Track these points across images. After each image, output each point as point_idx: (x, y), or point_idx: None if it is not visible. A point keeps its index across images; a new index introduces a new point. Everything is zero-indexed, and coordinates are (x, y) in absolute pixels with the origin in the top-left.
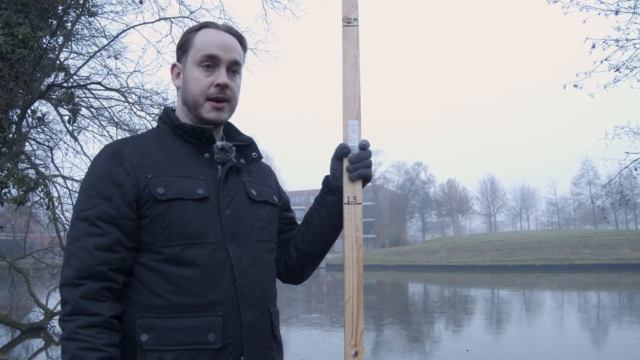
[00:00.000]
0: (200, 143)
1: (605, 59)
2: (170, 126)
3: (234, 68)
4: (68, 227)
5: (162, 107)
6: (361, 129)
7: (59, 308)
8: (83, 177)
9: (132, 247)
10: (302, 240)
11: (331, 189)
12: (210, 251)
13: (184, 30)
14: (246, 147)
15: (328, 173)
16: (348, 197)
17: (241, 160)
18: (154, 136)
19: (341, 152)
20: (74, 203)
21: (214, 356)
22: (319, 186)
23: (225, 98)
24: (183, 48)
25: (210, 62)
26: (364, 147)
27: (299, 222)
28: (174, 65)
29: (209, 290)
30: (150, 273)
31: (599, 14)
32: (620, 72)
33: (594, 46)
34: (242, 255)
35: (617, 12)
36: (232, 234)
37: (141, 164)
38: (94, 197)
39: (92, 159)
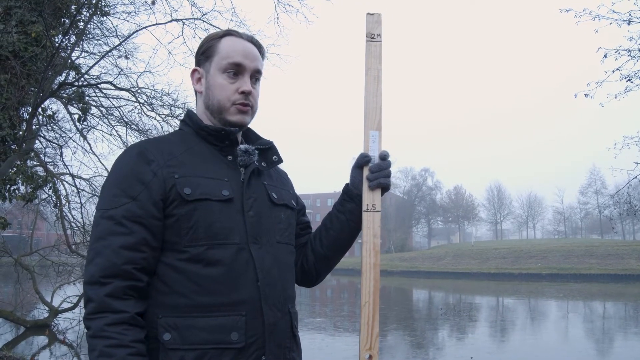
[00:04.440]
0: (224, 145)
1: (617, 69)
2: (193, 128)
3: (256, 76)
4: (91, 225)
5: (173, 108)
6: (381, 140)
7: (63, 306)
8: (106, 175)
9: (156, 247)
10: (320, 244)
11: (351, 196)
12: (234, 252)
13: (206, 36)
14: (267, 150)
15: (333, 178)
16: (367, 204)
17: (262, 164)
18: (178, 138)
19: (362, 161)
20: (97, 201)
21: (236, 355)
22: (325, 190)
23: (249, 104)
24: (206, 54)
25: (235, 70)
26: (384, 157)
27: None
28: (194, 70)
29: (232, 290)
30: (174, 272)
31: (611, 23)
32: (631, 82)
33: (605, 56)
34: (264, 257)
35: (629, 22)
36: (255, 235)
37: (167, 164)
38: (120, 196)
39: (100, 158)
